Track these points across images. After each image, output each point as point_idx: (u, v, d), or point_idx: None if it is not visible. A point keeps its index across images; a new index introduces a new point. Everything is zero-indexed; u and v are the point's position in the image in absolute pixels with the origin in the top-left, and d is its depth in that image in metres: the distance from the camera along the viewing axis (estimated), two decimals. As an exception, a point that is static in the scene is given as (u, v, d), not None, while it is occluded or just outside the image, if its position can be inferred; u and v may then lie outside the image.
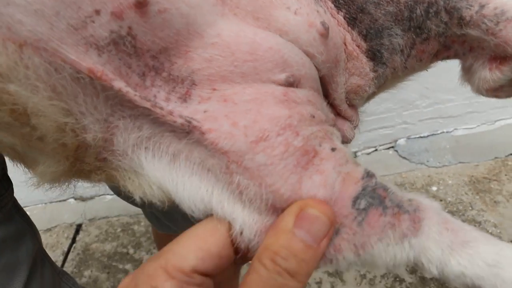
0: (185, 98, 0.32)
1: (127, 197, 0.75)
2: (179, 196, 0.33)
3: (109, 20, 0.29)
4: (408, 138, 1.65)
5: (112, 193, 1.64)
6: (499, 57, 0.38)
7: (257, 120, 0.31)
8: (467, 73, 0.43)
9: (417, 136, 1.65)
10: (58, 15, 0.28)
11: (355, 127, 0.46)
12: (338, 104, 0.42)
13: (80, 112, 0.31)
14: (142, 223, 1.58)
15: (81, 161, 0.35)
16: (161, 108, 0.31)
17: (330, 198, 0.32)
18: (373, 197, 0.32)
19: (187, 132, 0.32)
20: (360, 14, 0.40)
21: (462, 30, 0.38)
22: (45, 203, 1.65)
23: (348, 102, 0.44)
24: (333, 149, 0.33)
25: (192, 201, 0.33)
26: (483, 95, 0.42)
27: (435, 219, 0.32)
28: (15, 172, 0.62)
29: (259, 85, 0.32)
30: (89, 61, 0.29)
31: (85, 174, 0.37)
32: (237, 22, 0.33)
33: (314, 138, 0.33)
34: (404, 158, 1.63)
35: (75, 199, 1.64)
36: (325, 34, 0.36)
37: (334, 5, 0.40)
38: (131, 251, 1.50)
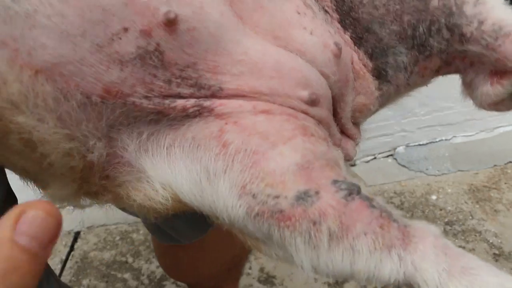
0: (208, 97, 0.34)
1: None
2: (178, 187, 0.35)
3: (137, 37, 0.30)
4: (407, 146, 1.67)
5: (110, 201, 1.65)
6: (499, 72, 0.41)
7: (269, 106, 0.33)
8: (468, 88, 0.45)
9: (416, 144, 1.67)
10: (84, 34, 0.29)
11: (356, 145, 0.48)
12: (345, 122, 0.44)
13: (83, 135, 0.33)
14: (141, 232, 1.59)
15: (87, 182, 0.36)
16: (174, 108, 0.33)
17: (307, 167, 0.32)
18: (358, 190, 0.32)
19: (193, 117, 0.34)
20: (366, 34, 0.42)
21: (463, 46, 0.40)
22: (43, 211, 1.66)
23: (352, 121, 0.46)
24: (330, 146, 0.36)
25: (189, 187, 0.34)
26: (485, 109, 0.44)
27: (431, 240, 0.31)
28: (12, 178, 0.62)
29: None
30: (107, 80, 0.30)
31: (92, 195, 0.38)
32: (259, 41, 0.35)
33: (318, 131, 0.35)
34: (403, 166, 1.64)
35: (74, 206, 1.65)
36: (338, 54, 0.38)
37: (341, 25, 0.42)
38: (130, 259, 1.50)
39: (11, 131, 0.31)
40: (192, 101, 0.33)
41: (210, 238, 0.80)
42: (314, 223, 0.31)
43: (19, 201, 0.59)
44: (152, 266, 1.47)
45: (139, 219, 1.60)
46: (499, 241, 1.38)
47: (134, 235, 1.59)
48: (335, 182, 0.32)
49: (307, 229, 0.31)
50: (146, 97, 0.32)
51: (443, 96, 1.56)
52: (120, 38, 0.30)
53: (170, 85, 0.32)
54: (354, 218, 0.31)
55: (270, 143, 0.32)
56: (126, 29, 0.30)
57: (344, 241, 0.31)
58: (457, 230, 1.44)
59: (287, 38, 0.37)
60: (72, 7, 0.29)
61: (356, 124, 0.46)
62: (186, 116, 0.34)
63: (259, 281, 1.36)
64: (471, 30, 0.39)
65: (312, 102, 0.36)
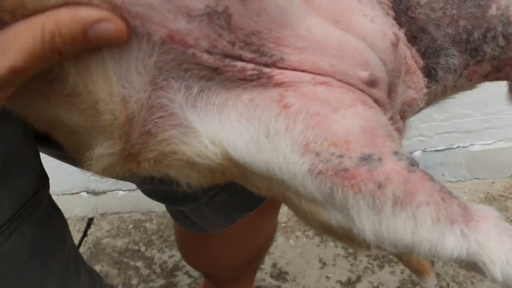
0: (269, 65, 0.34)
1: (153, 193, 0.76)
2: (231, 143, 0.35)
3: None
4: (424, 151, 1.70)
5: (125, 188, 1.68)
6: None
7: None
8: None
9: (433, 149, 1.70)
10: None
11: (401, 139, 0.51)
12: (393, 114, 0.47)
13: (128, 69, 0.33)
14: (154, 221, 1.62)
15: (129, 140, 0.37)
16: (234, 66, 0.34)
17: (371, 131, 0.33)
18: (417, 164, 0.33)
19: (250, 80, 0.34)
20: (421, 33, 0.44)
21: None
22: (58, 195, 1.69)
23: (400, 114, 0.48)
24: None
25: (244, 143, 0.34)
26: None
27: (492, 221, 0.32)
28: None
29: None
30: (172, 27, 0.31)
31: (135, 159, 0.38)
32: (321, 22, 0.37)
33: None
34: (420, 170, 1.67)
35: (88, 192, 1.69)
36: (396, 43, 0.40)
37: (396, 22, 0.45)
38: (143, 248, 1.53)
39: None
40: (252, 65, 0.34)
41: (237, 228, 0.80)
42: (379, 186, 0.31)
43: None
44: (165, 256, 1.50)
45: (152, 208, 1.63)
46: (514, 251, 1.40)
47: (147, 224, 1.62)
48: (396, 153, 0.32)
49: (372, 191, 0.31)
50: (208, 52, 0.33)
51: (462, 103, 1.59)
52: None
53: (233, 47, 0.33)
54: (417, 187, 0.31)
55: (332, 108, 0.33)
56: None
57: (407, 208, 0.31)
58: (471, 238, 1.46)
59: (348, 23, 0.38)
60: None
61: (402, 118, 0.49)
62: (243, 79, 0.34)
63: (272, 276, 1.39)
64: (528, 41, 0.41)
65: (372, 82, 0.37)
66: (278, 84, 0.34)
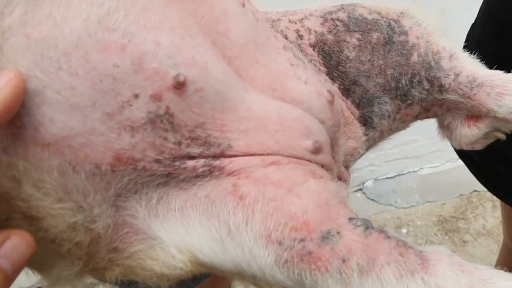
0: (217, 157, 0.36)
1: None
2: (197, 247, 0.35)
3: (147, 102, 0.32)
4: (376, 179, 1.77)
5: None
6: (474, 116, 0.49)
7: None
8: (446, 130, 0.53)
9: (384, 177, 1.77)
10: (94, 105, 0.31)
11: (347, 188, 0.54)
12: (338, 166, 0.50)
13: (89, 207, 0.33)
14: None
15: (94, 258, 0.36)
16: (184, 169, 0.35)
17: (326, 204, 0.35)
18: (371, 225, 0.35)
19: (203, 176, 0.35)
20: (353, 86, 0.48)
21: (442, 95, 0.48)
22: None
23: (344, 164, 0.51)
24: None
25: (209, 245, 0.35)
26: (463, 148, 0.51)
27: (446, 260, 0.34)
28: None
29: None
30: (117, 148, 0.32)
31: (99, 272, 0.38)
32: (259, 96, 0.38)
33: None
34: (373, 200, 1.73)
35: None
36: (331, 101, 0.43)
37: (329, 77, 0.48)
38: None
39: (15, 211, 0.32)
40: (201, 161, 0.35)
41: None
42: (344, 260, 0.33)
43: None
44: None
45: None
46: (470, 272, 1.47)
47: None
48: (351, 219, 0.35)
49: (338, 268, 0.33)
50: (157, 160, 0.33)
51: (408, 130, 1.67)
52: (131, 105, 0.31)
53: (180, 146, 0.34)
54: (376, 250, 0.33)
55: (285, 189, 0.35)
56: (136, 96, 0.31)
57: (372, 273, 0.33)
58: (429, 263, 1.52)
59: (284, 89, 0.40)
60: (83, 79, 0.30)
61: (346, 167, 0.52)
62: (196, 176, 0.35)
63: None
64: (449, 82, 0.47)
65: (316, 150, 0.39)
66: (230, 173, 0.36)
